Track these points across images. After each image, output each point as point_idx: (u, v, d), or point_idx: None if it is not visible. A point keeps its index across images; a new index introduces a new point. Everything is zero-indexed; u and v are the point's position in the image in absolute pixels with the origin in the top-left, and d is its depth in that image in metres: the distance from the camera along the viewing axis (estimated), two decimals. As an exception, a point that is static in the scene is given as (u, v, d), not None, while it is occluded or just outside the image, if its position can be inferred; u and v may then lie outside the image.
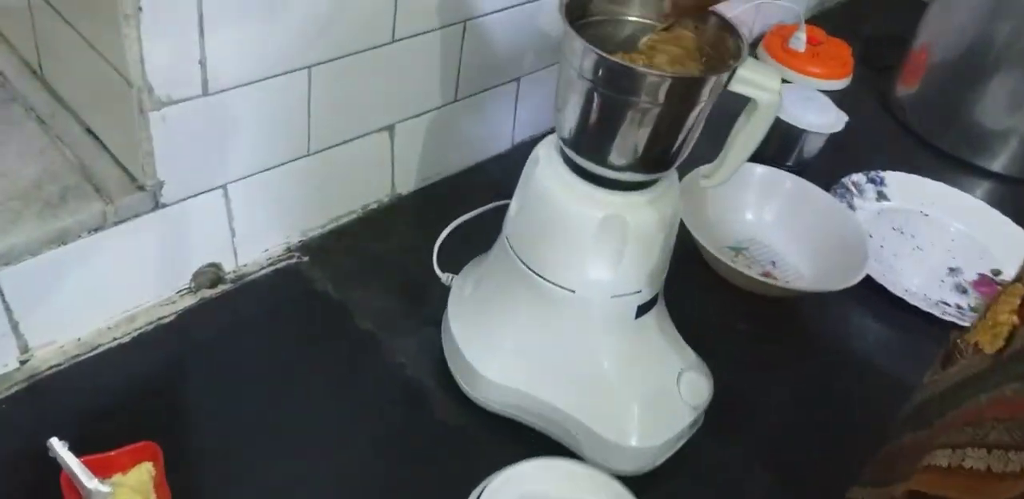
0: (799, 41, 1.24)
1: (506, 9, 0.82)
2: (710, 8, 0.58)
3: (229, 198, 0.71)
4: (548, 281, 0.61)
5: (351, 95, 0.75)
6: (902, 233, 1.00)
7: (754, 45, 1.30)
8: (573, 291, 0.61)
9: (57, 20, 0.64)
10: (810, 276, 0.88)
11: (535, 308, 0.63)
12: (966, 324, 0.84)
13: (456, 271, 0.75)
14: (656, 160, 0.58)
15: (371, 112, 0.78)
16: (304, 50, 0.68)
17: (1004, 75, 1.08)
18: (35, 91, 0.71)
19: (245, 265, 0.76)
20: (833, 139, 1.01)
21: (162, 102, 0.61)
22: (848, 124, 1.02)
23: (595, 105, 0.55)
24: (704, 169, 0.62)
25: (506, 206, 0.66)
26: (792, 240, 0.91)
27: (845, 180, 1.02)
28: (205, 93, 0.63)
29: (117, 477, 0.57)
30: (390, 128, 0.81)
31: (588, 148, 0.58)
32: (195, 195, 0.68)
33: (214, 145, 0.67)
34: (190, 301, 0.73)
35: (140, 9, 0.55)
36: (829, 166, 1.02)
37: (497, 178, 0.92)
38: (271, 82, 0.67)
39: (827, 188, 1.00)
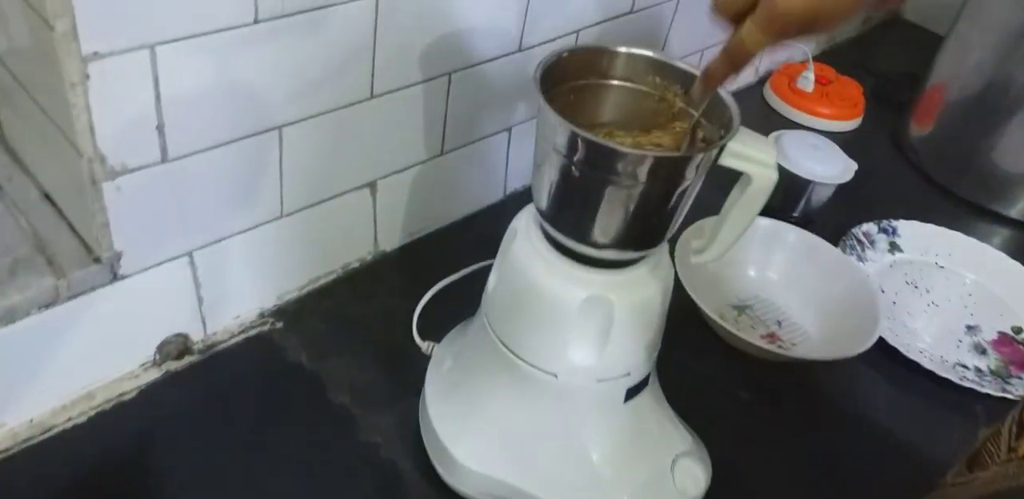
0: (807, 81, 1.21)
1: (494, 59, 0.79)
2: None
3: (195, 266, 0.67)
4: (528, 364, 0.57)
5: (327, 154, 0.71)
6: (916, 287, 0.95)
7: (760, 84, 1.26)
8: (555, 375, 0.56)
9: (12, 80, 0.61)
10: (818, 337, 0.83)
11: (515, 391, 0.58)
12: (986, 391, 0.79)
13: (439, 338, 0.71)
14: (642, 238, 0.54)
15: (350, 170, 0.74)
16: (273, 110, 0.64)
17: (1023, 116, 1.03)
18: (-6, 152, 0.68)
19: (215, 333, 0.72)
20: (842, 186, 0.96)
21: (116, 172, 0.57)
22: (858, 168, 0.98)
23: (573, 182, 0.51)
24: (695, 244, 0.58)
25: (491, 266, 0.61)
26: (799, 297, 0.87)
27: (855, 231, 0.97)
28: (164, 160, 0.59)
29: None
30: (371, 185, 0.77)
31: (567, 225, 0.53)
32: (157, 265, 0.64)
33: (176, 213, 0.63)
34: (154, 375, 0.68)
35: (87, 76, 0.52)
36: (837, 215, 0.97)
37: (488, 231, 0.87)
38: (238, 145, 0.63)
39: (836, 240, 0.95)
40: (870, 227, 0.99)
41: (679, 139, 0.55)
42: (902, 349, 0.83)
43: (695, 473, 0.60)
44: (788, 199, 0.96)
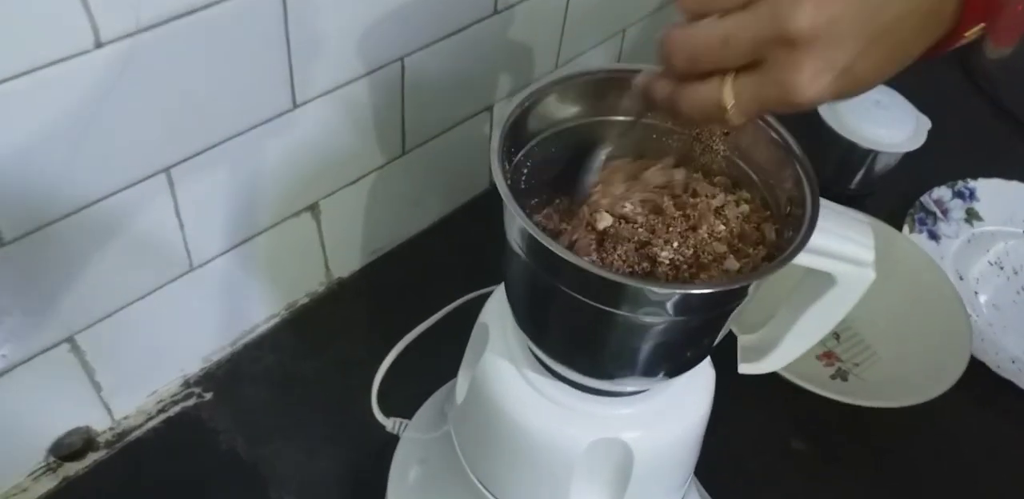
0: None
1: (460, 31, 0.59)
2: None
3: (80, 350, 0.51)
4: (515, 512, 0.41)
5: (239, 187, 0.53)
6: (1001, 269, 0.78)
7: None
8: (553, 530, 0.41)
9: None
10: (888, 355, 0.67)
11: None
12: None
13: (411, 406, 0.55)
14: (669, 367, 0.37)
15: (281, 196, 0.57)
16: (158, 151, 0.46)
17: None
18: None
19: (126, 418, 0.57)
20: (913, 154, 0.77)
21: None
22: (935, 117, 0.78)
23: (566, 313, 0.34)
24: (746, 341, 0.40)
25: (482, 296, 0.45)
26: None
27: (924, 199, 0.79)
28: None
29: None
30: (312, 207, 0.60)
31: (559, 353, 0.37)
32: (27, 360, 0.49)
33: (33, 297, 0.47)
34: (48, 485, 0.54)
35: None
36: (898, 181, 0.79)
37: (470, 233, 0.71)
38: (121, 196, 0.46)
39: (902, 213, 0.77)
40: (942, 192, 0.81)
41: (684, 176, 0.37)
42: (991, 364, 0.67)
43: None
44: (844, 171, 0.77)
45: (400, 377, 0.59)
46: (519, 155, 0.36)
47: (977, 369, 0.65)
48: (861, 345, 0.69)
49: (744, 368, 0.40)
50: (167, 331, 0.56)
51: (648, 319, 0.31)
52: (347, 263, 0.67)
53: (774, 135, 0.35)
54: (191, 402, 0.59)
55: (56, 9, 0.37)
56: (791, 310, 0.37)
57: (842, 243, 0.33)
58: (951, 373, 0.61)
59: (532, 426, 0.38)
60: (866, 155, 0.75)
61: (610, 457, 0.38)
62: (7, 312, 0.46)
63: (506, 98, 0.69)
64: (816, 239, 0.32)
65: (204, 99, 0.46)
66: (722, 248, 0.33)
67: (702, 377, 0.40)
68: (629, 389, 0.38)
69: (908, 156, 0.76)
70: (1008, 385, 0.66)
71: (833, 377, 0.66)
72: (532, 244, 0.32)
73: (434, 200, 0.71)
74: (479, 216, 0.73)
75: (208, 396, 0.59)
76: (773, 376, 0.61)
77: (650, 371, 0.36)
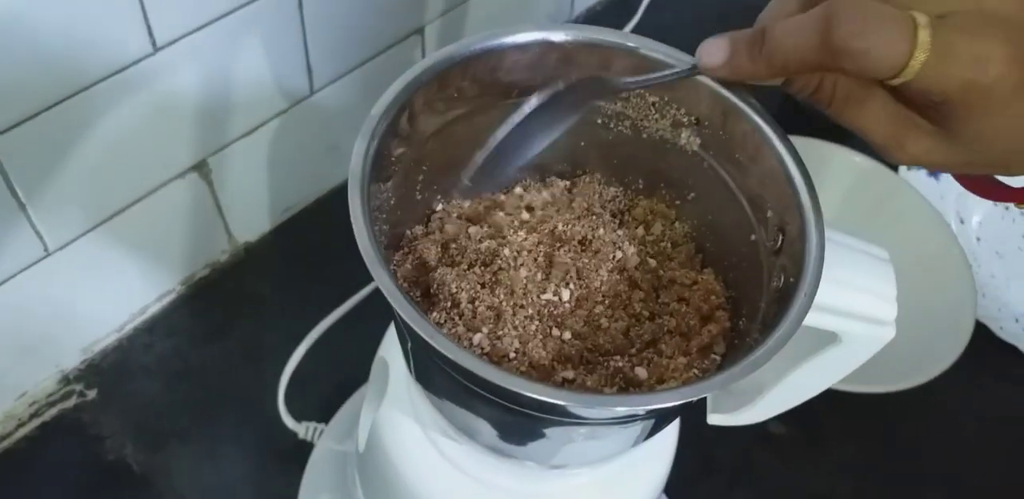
0: None
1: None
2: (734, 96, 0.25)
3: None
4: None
5: (87, 155, 0.42)
6: (1007, 209, 0.69)
7: None
8: None
9: None
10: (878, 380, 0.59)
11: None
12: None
13: (328, 409, 0.47)
14: (599, 455, 0.28)
15: (152, 159, 0.46)
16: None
17: None
18: None
19: (-10, 427, 0.49)
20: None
21: None
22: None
23: (485, 414, 0.25)
24: (716, 401, 0.31)
25: None
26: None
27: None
28: None
29: None
30: (200, 166, 0.49)
31: (464, 428, 0.28)
32: None
33: None
34: None
35: None
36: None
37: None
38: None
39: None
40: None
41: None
42: (993, 325, 0.60)
43: None
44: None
45: (319, 367, 0.51)
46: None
47: (977, 333, 0.57)
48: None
49: (714, 419, 0.31)
50: (33, 323, 0.47)
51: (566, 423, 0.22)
52: (253, 226, 0.57)
53: (770, 136, 0.25)
54: (71, 402, 0.50)
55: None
56: (782, 360, 0.28)
57: (855, 296, 0.24)
58: (950, 351, 0.53)
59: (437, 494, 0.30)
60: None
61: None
62: None
63: (440, 17, 0.57)
64: (822, 293, 0.22)
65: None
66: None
67: (660, 451, 0.32)
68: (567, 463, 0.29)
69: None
70: (1012, 351, 0.59)
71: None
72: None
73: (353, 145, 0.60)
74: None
75: (91, 394, 0.51)
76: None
77: (579, 457, 0.27)
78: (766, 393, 0.29)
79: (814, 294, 0.22)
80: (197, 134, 0.47)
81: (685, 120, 0.27)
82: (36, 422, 0.49)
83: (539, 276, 0.26)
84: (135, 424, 0.50)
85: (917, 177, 0.67)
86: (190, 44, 0.42)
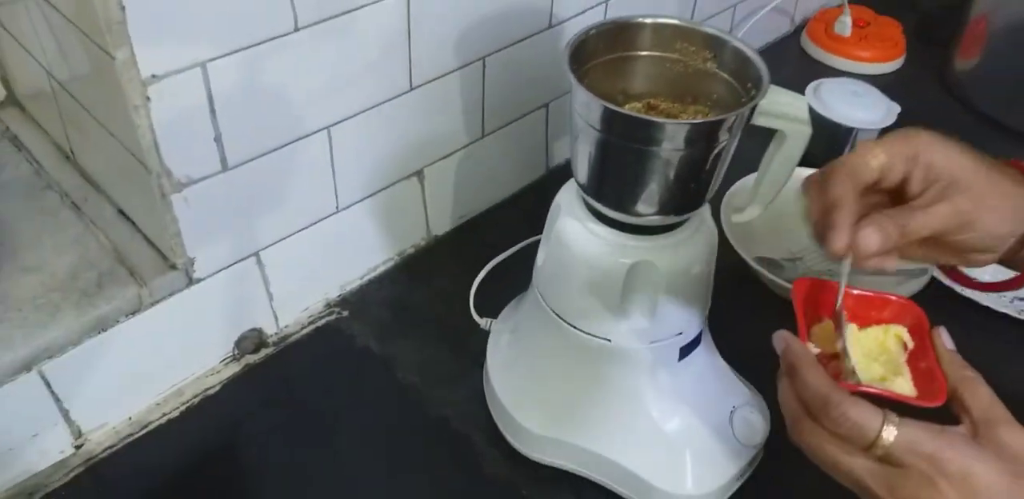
0: (844, 25, 1.19)
1: (526, 38, 0.80)
2: (729, 38, 0.55)
3: (263, 264, 0.71)
4: (582, 331, 0.59)
5: (374, 148, 0.74)
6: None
7: (797, 33, 1.25)
8: (609, 340, 0.59)
9: (79, 107, 0.65)
10: (873, 283, 0.83)
11: (572, 358, 0.61)
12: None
13: (496, 314, 0.74)
14: (682, 203, 0.55)
15: (397, 161, 0.77)
16: (320, 112, 0.67)
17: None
18: (68, 176, 0.72)
19: (287, 326, 0.77)
20: (887, 129, 0.96)
21: (182, 183, 0.61)
22: (904, 109, 0.97)
23: (610, 154, 0.53)
24: (736, 202, 0.59)
25: (539, 241, 0.64)
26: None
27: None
28: (225, 169, 0.63)
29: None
30: (419, 173, 0.80)
31: (608, 196, 0.55)
32: (228, 266, 0.69)
33: (241, 216, 0.67)
34: (234, 369, 0.73)
35: (148, 98, 0.55)
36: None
37: (534, 207, 0.89)
38: (290, 148, 0.66)
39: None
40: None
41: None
42: (956, 287, 0.83)
43: (753, 422, 0.62)
44: (832, 148, 0.96)
45: (485, 298, 0.77)
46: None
47: (944, 287, 0.81)
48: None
49: (736, 218, 0.58)
50: (319, 259, 0.76)
51: (662, 151, 0.50)
52: (442, 223, 0.87)
53: (745, 53, 0.54)
54: (332, 317, 0.78)
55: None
56: (761, 171, 0.56)
57: (785, 107, 0.52)
58: (914, 285, 0.78)
59: (592, 257, 0.57)
60: (849, 132, 0.94)
61: (645, 275, 0.56)
62: (228, 223, 0.66)
63: (558, 98, 0.90)
64: (765, 104, 0.51)
65: (356, 73, 0.67)
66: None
67: (706, 226, 0.58)
68: (654, 224, 0.56)
69: (884, 132, 0.95)
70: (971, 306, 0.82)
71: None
72: (590, 104, 0.50)
73: (505, 179, 0.91)
74: (542, 192, 0.92)
75: (345, 314, 0.79)
76: (783, 301, 0.79)
77: (666, 207, 0.54)
78: (758, 192, 0.56)
79: (764, 94, 0.50)
80: (420, 152, 0.79)
81: (709, 56, 0.57)
82: (312, 328, 0.77)
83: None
84: (373, 330, 0.77)
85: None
86: (427, 89, 0.75)
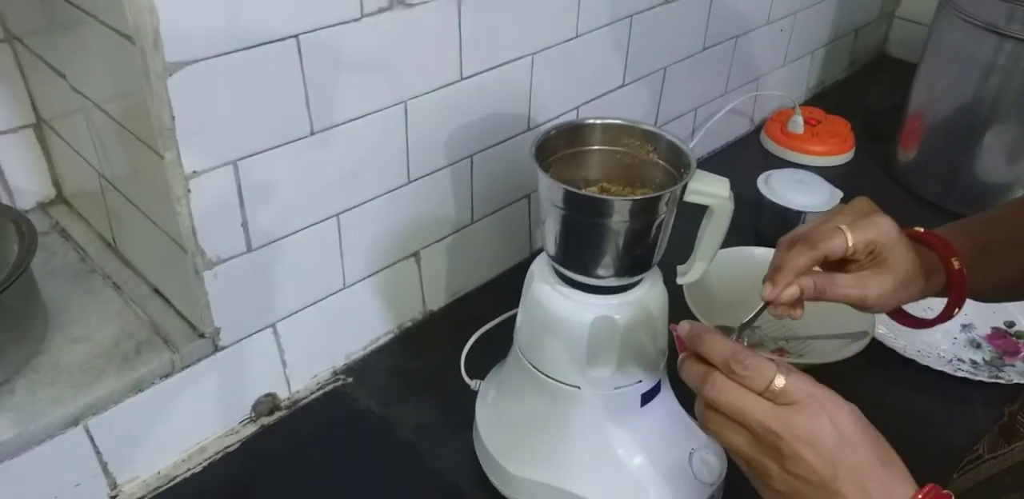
0: (797, 124, 1.33)
1: (507, 140, 0.93)
2: (664, 133, 0.67)
3: (279, 334, 0.81)
4: (555, 380, 0.69)
5: (376, 232, 0.85)
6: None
7: (757, 131, 1.39)
8: (579, 387, 0.68)
9: (124, 201, 0.77)
10: (822, 349, 0.93)
11: (548, 405, 0.70)
12: (979, 379, 0.88)
13: (484, 375, 0.83)
14: (633, 266, 0.66)
15: (396, 244, 0.89)
16: (330, 202, 0.79)
17: (997, 128, 1.13)
18: (110, 261, 0.84)
19: (297, 391, 0.86)
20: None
21: (213, 262, 0.72)
22: (854, 195, 1.08)
23: (572, 228, 0.64)
24: (680, 268, 0.70)
25: (512, 317, 0.74)
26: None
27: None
28: (249, 250, 0.74)
29: None
30: (416, 254, 0.91)
31: (571, 262, 0.66)
32: (248, 336, 0.79)
33: (261, 291, 0.78)
34: (251, 429, 0.82)
35: (189, 190, 0.67)
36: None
37: (520, 285, 1.01)
38: (304, 232, 0.78)
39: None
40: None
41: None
42: (899, 350, 0.92)
43: (711, 462, 0.70)
44: (783, 229, 1.06)
45: (474, 362, 0.87)
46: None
47: (887, 350, 0.91)
48: (805, 343, 0.95)
49: (681, 280, 0.69)
50: (327, 331, 0.86)
51: (613, 223, 0.61)
52: (437, 299, 0.97)
53: (677, 144, 0.66)
54: (339, 383, 0.87)
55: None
56: (698, 240, 0.67)
57: (709, 186, 0.63)
58: (855, 348, 0.87)
59: (561, 314, 0.67)
60: (797, 216, 1.06)
61: (606, 329, 0.66)
62: (250, 297, 0.76)
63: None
64: (693, 184, 0.63)
65: (363, 168, 0.79)
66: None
67: (657, 285, 0.69)
68: (612, 284, 0.66)
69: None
70: (911, 365, 0.92)
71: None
72: (552, 187, 0.62)
73: (493, 259, 1.02)
74: (524, 273, 1.03)
75: (350, 380, 0.88)
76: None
77: (621, 270, 0.65)
78: (696, 258, 0.67)
79: (691, 176, 0.62)
80: (416, 236, 0.90)
81: (651, 149, 0.69)
82: (320, 392, 0.86)
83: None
84: (374, 394, 0.86)
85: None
86: (421, 182, 0.87)
